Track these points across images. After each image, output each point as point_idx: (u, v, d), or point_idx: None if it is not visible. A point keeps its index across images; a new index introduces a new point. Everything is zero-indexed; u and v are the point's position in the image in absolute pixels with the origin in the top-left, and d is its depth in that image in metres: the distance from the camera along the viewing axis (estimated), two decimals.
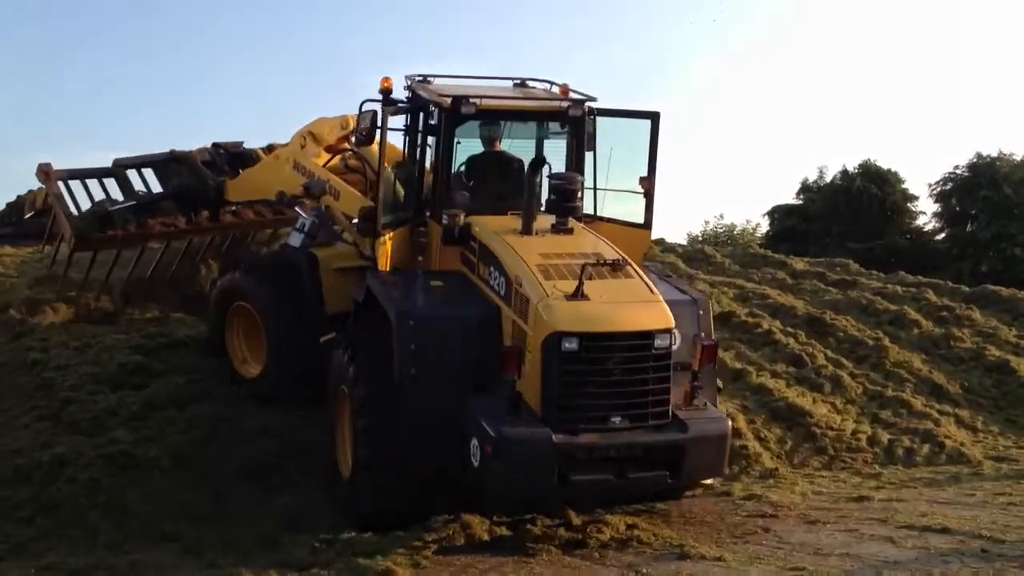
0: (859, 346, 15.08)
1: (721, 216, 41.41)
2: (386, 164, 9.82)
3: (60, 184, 12.49)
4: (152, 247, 13.12)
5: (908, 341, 15.66)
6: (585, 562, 8.28)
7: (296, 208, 11.75)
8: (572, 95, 10.22)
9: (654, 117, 9.88)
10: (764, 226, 40.52)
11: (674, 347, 8.52)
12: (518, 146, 10.38)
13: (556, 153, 10.25)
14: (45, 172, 12.54)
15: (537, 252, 8.85)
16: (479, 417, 8.20)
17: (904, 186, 39.32)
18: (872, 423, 13.07)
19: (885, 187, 38.60)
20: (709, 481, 9.78)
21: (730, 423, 9.15)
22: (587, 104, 9.93)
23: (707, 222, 41.64)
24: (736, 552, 8.52)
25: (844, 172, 39.46)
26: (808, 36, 74.61)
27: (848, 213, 37.70)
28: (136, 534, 8.94)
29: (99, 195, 12.65)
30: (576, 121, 9.97)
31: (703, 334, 9.14)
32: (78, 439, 9.90)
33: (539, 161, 9.71)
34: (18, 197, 15.47)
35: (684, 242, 26.39)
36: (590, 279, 8.43)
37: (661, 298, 8.65)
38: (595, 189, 10.23)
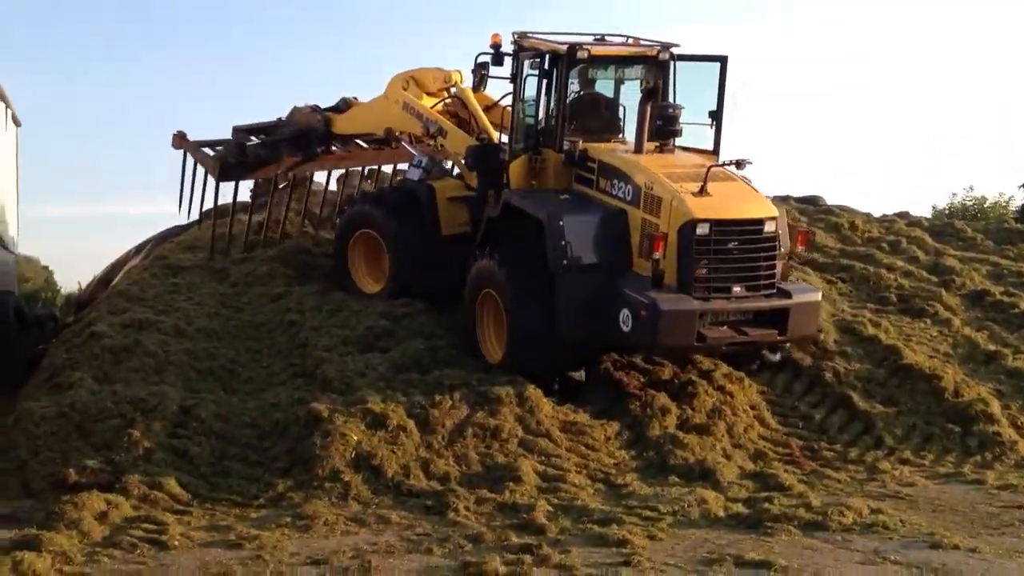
0: None
1: (971, 188, 38.67)
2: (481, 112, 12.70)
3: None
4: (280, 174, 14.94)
5: None
6: (827, 545, 8.09)
7: (404, 144, 13.69)
8: (646, 42, 11.78)
9: (723, 60, 11.53)
10: (1019, 199, 37.70)
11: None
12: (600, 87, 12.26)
13: (630, 94, 12.08)
14: (180, 137, 14.56)
15: (657, 165, 10.98)
16: (631, 291, 10.37)
17: None
18: None
19: None
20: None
21: (821, 293, 11.76)
22: (671, 50, 11.58)
23: (954, 194, 39.00)
24: (992, 544, 8.10)
25: None
26: None
27: None
28: (383, 490, 9.35)
29: None
30: (664, 64, 11.67)
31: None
32: (330, 397, 10.44)
33: (652, 91, 11.51)
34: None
35: (929, 215, 24.94)
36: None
37: (763, 194, 11.06)
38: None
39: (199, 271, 14.16)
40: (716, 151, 11.66)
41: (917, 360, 11.98)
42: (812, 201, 17.99)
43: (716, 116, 11.62)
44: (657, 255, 10.24)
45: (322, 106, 14.63)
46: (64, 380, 10.94)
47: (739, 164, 10.87)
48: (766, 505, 8.87)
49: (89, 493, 8.80)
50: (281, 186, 16.69)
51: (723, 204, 10.52)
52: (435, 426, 10.10)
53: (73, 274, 26.14)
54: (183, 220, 15.21)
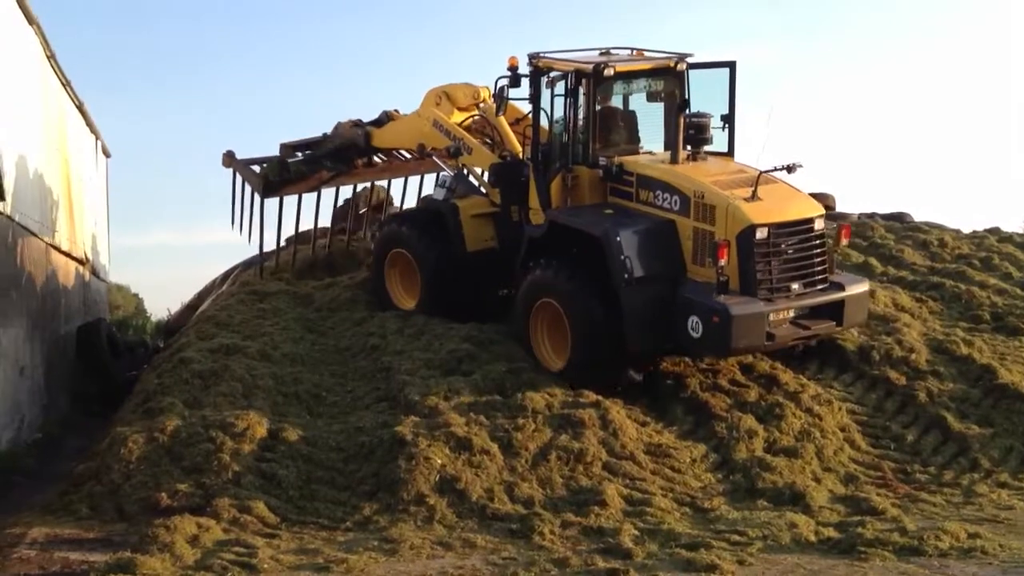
0: None
1: None
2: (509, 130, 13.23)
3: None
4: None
5: None
6: (924, 570, 7.86)
7: (435, 158, 14.23)
8: (651, 54, 12.15)
9: (731, 65, 11.98)
10: None
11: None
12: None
13: (637, 104, 12.45)
14: (229, 156, 15.19)
15: (700, 174, 11.30)
16: (698, 298, 10.69)
17: None
18: None
19: None
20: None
21: (868, 283, 12.17)
22: (686, 59, 11.96)
23: None
24: None
25: None
26: None
27: None
28: (467, 514, 9.35)
29: None
30: (681, 75, 12.01)
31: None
32: (414, 420, 10.47)
33: (684, 104, 11.87)
34: (346, 201, 16.74)
35: (1021, 230, 24.25)
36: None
37: (806, 193, 11.54)
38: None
39: (284, 296, 14.41)
40: (731, 152, 12.10)
41: (1014, 380, 11.63)
42: (899, 218, 17.63)
43: (729, 120, 12.06)
44: (722, 262, 10.55)
45: (364, 120, 15.25)
46: (156, 405, 11.16)
47: (790, 168, 11.18)
48: (859, 529, 8.66)
49: (181, 516, 8.97)
50: (362, 211, 17.05)
51: (775, 207, 10.95)
52: (519, 449, 10.07)
53: (163, 301, 26.77)
54: (237, 234, 15.52)
